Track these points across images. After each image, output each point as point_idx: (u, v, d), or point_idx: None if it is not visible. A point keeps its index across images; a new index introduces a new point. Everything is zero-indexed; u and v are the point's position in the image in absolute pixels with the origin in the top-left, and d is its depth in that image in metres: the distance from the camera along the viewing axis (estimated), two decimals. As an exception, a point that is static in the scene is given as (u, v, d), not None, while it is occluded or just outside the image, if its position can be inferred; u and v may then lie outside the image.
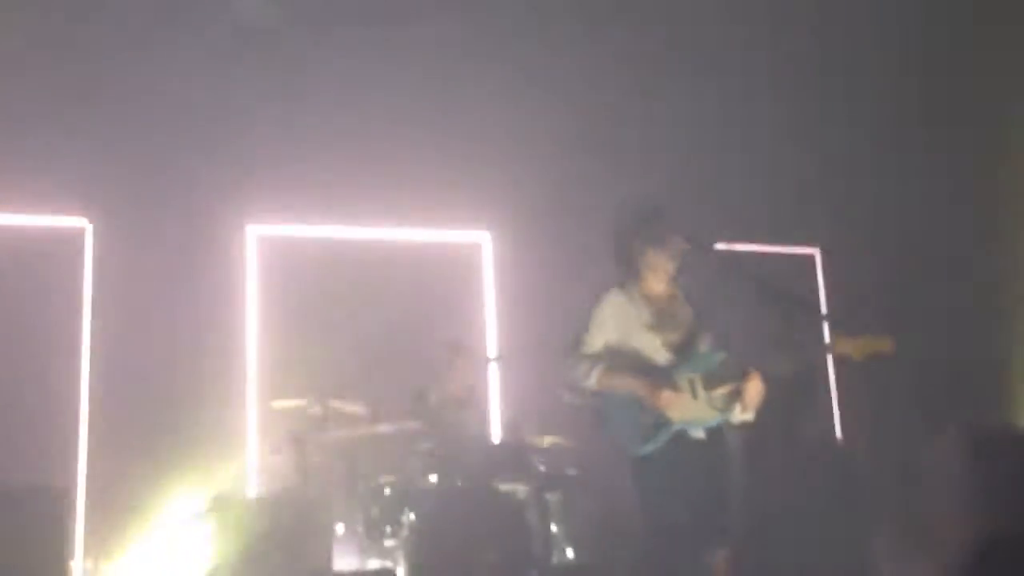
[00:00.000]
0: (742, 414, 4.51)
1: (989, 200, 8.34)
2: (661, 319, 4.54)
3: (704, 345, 4.57)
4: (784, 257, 8.90)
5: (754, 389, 4.42)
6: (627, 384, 4.43)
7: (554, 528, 6.62)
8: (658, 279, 4.61)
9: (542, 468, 6.74)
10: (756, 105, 8.22)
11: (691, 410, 4.43)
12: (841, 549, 4.44)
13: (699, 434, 4.46)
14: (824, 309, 8.76)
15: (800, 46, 8.29)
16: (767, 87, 8.31)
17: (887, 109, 8.46)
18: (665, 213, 4.60)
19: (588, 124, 8.12)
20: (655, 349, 4.50)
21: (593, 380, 4.48)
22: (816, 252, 9.20)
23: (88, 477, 7.16)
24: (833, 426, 8.47)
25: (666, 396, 4.36)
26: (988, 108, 8.23)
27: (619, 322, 4.53)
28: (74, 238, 7.45)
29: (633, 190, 4.81)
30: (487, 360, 7.84)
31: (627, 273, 4.64)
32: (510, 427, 6.90)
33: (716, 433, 4.52)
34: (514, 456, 6.63)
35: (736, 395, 4.46)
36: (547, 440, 6.79)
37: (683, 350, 4.53)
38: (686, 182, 4.78)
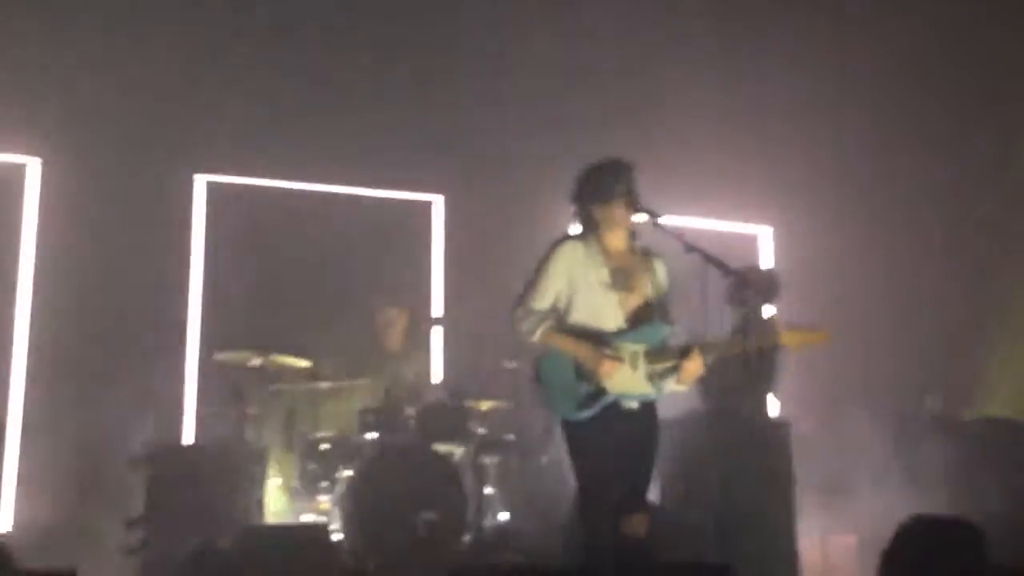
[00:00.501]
0: (676, 386, 4.53)
1: (945, 180, 8.41)
2: (618, 278, 4.50)
3: (657, 317, 4.56)
4: (732, 235, 8.95)
5: (693, 367, 4.43)
6: (571, 347, 4.41)
7: (489, 491, 6.65)
8: (616, 236, 4.56)
9: (480, 431, 6.76)
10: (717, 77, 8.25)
11: (628, 382, 4.43)
12: (766, 523, 4.48)
13: (632, 405, 4.47)
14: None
15: (763, 22, 8.33)
16: (731, 61, 8.34)
17: (849, 86, 8.52)
18: (615, 171, 4.55)
19: (545, 91, 8.12)
20: (610, 308, 4.46)
21: (538, 336, 4.45)
22: (763, 231, 9.26)
23: (23, 420, 7.09)
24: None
25: (608, 366, 4.36)
26: (949, 88, 8.28)
27: (573, 274, 4.47)
28: (19, 175, 7.35)
29: (585, 157, 4.76)
30: (431, 321, 7.84)
31: (586, 226, 4.60)
32: (450, 389, 6.90)
33: (648, 405, 4.54)
34: (453, 418, 6.64)
35: (674, 370, 4.47)
36: (486, 404, 6.81)
37: (636, 318, 4.50)
38: (639, 151, 4.73)
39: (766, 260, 9.20)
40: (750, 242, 9.20)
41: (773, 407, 8.61)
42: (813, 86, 8.54)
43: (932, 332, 8.35)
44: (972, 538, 2.96)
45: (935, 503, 5.76)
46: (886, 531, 3.24)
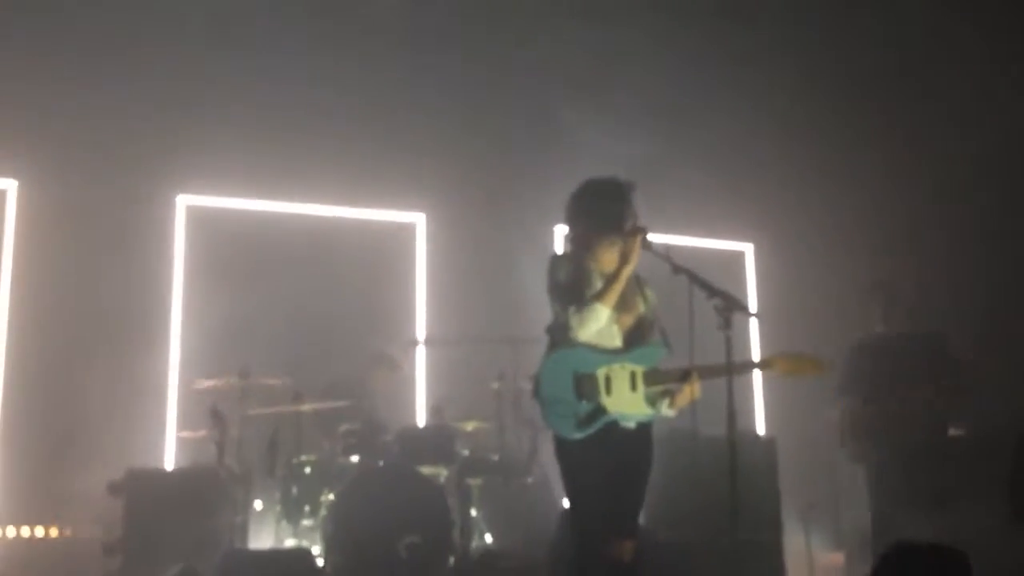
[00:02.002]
0: (667, 410, 4.50)
1: (928, 196, 8.40)
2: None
3: (652, 337, 4.53)
4: (714, 253, 8.94)
5: (690, 393, 4.41)
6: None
7: (474, 513, 6.61)
8: (609, 257, 4.49)
9: (464, 452, 6.72)
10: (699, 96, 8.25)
11: (628, 402, 4.39)
12: (747, 544, 4.45)
13: (630, 425, 4.45)
14: (754, 307, 8.83)
15: (747, 42, 8.33)
16: (716, 80, 8.35)
17: (832, 104, 8.52)
18: (615, 195, 4.51)
19: (526, 110, 8.11)
20: (609, 326, 4.44)
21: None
22: (748, 248, 9.25)
23: (3, 444, 7.01)
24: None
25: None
26: (936, 104, 8.27)
27: (590, 288, 4.46)
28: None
29: (569, 175, 4.72)
30: (414, 343, 7.81)
31: (581, 246, 4.57)
32: (434, 411, 6.86)
33: (644, 426, 4.51)
34: (437, 440, 6.59)
35: (670, 393, 4.45)
36: (471, 424, 6.77)
37: (632, 338, 4.49)
38: (623, 169, 4.70)
39: (748, 277, 9.20)
40: (732, 259, 9.18)
41: (759, 425, 8.67)
42: (796, 103, 8.55)
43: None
44: (957, 565, 2.93)
45: (922, 521, 5.73)
46: (873, 549, 3.22)
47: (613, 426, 4.38)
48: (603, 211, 4.47)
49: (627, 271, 4.42)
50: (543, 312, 4.72)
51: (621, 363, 4.41)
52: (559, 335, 4.46)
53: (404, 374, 7.66)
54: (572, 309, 4.41)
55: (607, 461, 4.34)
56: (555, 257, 4.61)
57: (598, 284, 4.46)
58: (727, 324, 4.27)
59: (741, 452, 4.34)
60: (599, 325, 4.40)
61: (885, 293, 6.57)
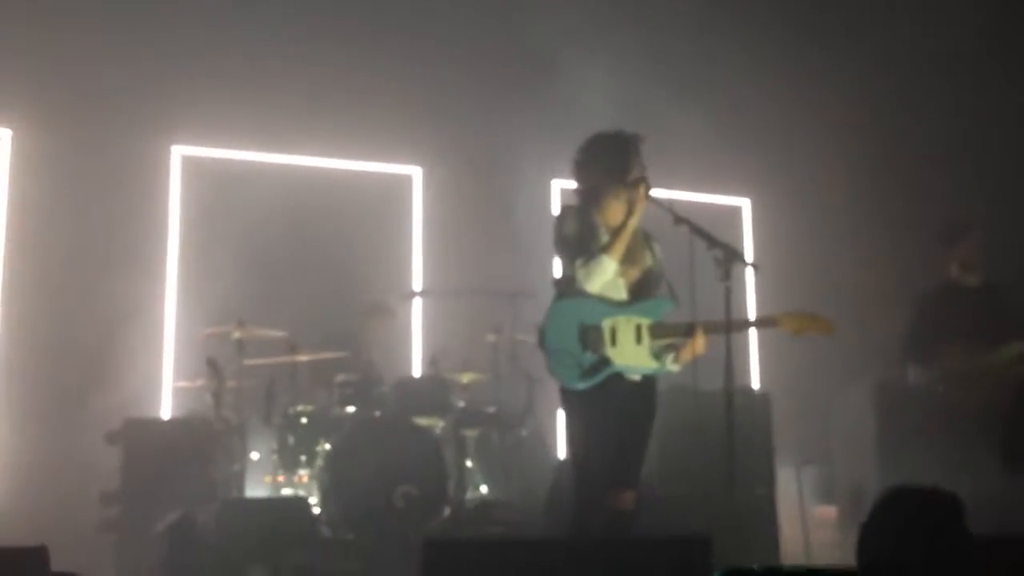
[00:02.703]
0: (671, 365, 4.52)
1: (926, 153, 8.38)
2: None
3: (658, 291, 4.55)
4: (710, 207, 8.91)
5: (697, 346, 4.43)
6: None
7: (470, 464, 6.65)
8: (617, 210, 4.51)
9: (461, 404, 6.75)
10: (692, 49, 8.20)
11: (633, 354, 4.42)
12: (741, 498, 4.50)
13: (635, 378, 4.47)
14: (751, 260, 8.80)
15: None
16: (712, 32, 8.30)
17: (830, 57, 8.48)
18: (626, 147, 4.52)
19: (522, 63, 8.07)
20: (615, 279, 4.46)
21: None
22: (745, 203, 9.23)
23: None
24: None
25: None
26: (933, 58, 8.23)
27: (591, 241, 4.47)
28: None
29: (565, 128, 4.71)
30: (411, 294, 7.82)
31: (588, 198, 4.57)
32: (430, 362, 6.88)
33: (649, 379, 4.54)
34: (433, 391, 6.62)
35: (675, 348, 4.47)
36: (467, 376, 6.80)
37: (638, 291, 4.51)
38: (618, 123, 4.70)
39: (745, 232, 9.19)
40: (729, 214, 9.16)
41: (754, 380, 8.70)
42: (793, 57, 8.50)
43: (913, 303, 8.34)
44: (951, 509, 2.96)
45: (917, 475, 5.76)
46: (866, 502, 3.24)
47: (617, 378, 4.41)
48: (609, 162, 4.50)
49: (633, 222, 4.44)
50: (540, 265, 4.74)
51: (627, 315, 4.43)
52: (566, 288, 4.47)
53: (400, 324, 7.66)
54: (579, 262, 4.42)
55: (611, 412, 4.38)
56: (562, 210, 4.64)
57: (604, 238, 4.46)
58: (726, 275, 4.31)
59: (737, 407, 4.38)
60: (606, 278, 4.41)
61: (978, 239, 6.44)
